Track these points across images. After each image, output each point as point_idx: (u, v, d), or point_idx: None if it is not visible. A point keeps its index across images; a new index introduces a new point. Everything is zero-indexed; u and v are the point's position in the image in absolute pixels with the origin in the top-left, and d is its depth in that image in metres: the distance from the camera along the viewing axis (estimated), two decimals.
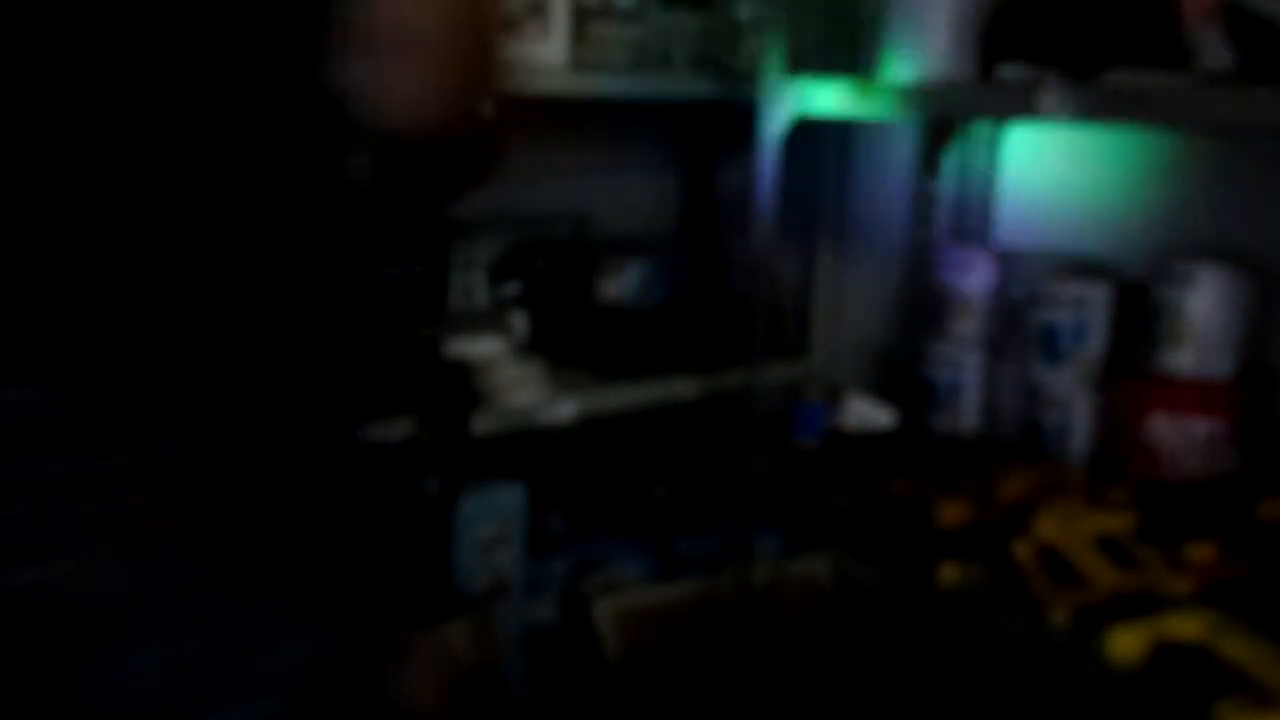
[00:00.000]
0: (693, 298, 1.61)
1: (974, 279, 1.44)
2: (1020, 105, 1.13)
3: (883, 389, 1.64)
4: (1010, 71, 1.24)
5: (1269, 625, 0.98)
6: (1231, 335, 1.21)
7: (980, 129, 1.53)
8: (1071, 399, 1.32)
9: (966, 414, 1.45)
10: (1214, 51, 1.03)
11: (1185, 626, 0.99)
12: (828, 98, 1.44)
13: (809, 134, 1.66)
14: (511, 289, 1.65)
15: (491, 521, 1.47)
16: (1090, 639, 1.01)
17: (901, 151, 1.67)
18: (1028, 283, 1.36)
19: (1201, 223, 1.29)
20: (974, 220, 1.55)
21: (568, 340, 1.57)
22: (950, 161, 1.57)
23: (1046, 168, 1.48)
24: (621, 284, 1.54)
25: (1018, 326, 1.38)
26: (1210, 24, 1.03)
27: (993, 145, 1.53)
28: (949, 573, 1.15)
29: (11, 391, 0.66)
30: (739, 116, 1.62)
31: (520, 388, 1.43)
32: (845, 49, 1.62)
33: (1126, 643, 0.99)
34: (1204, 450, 1.21)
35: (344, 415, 0.80)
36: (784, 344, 1.74)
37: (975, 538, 1.19)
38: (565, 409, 1.44)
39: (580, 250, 1.63)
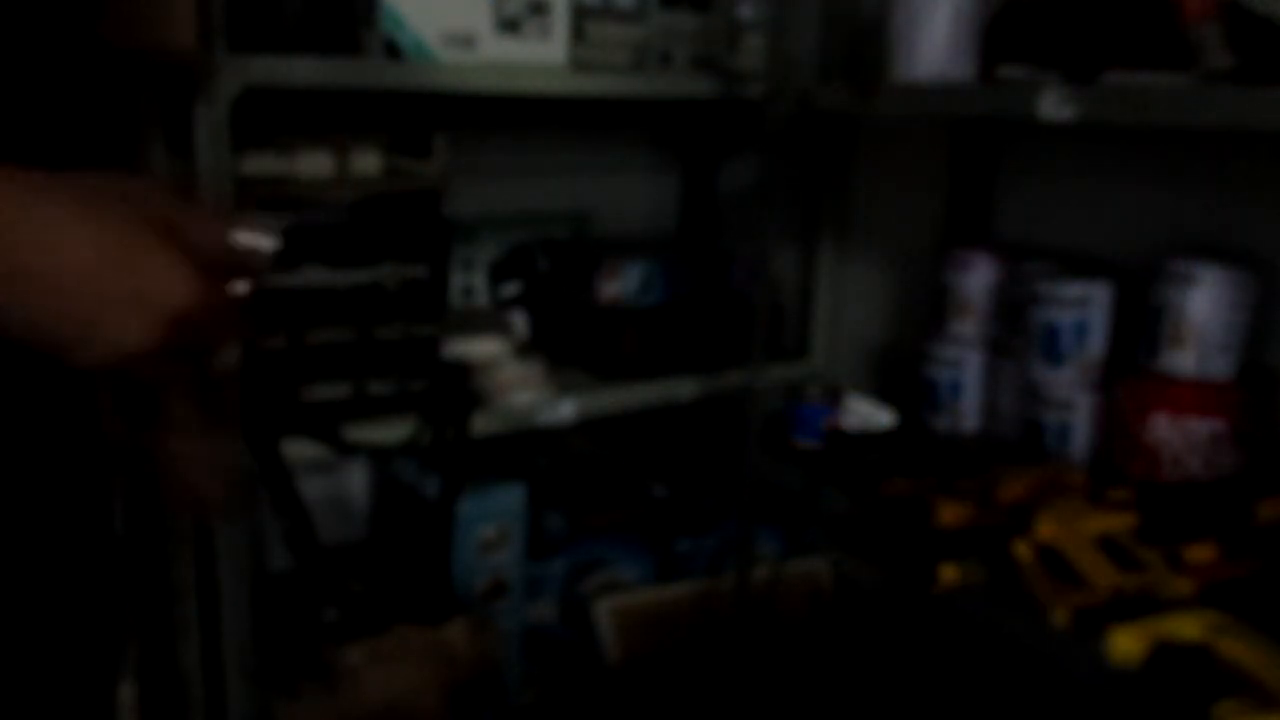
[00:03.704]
0: (693, 298, 1.61)
1: (974, 279, 1.44)
2: (1020, 105, 1.13)
3: (883, 389, 1.65)
4: (1010, 72, 1.24)
5: (1269, 625, 0.98)
6: (1231, 335, 1.21)
7: (980, 129, 1.53)
8: (1071, 399, 1.32)
9: (966, 414, 1.45)
10: (1214, 51, 1.03)
11: (1185, 627, 0.99)
12: (826, 98, 1.44)
13: (810, 133, 1.67)
14: (511, 289, 1.65)
15: (491, 521, 1.47)
16: (1090, 639, 1.01)
17: (902, 151, 1.67)
18: (1028, 283, 1.36)
19: (1201, 223, 1.29)
20: (974, 220, 1.54)
21: (568, 340, 1.57)
22: (951, 161, 1.57)
23: (1046, 167, 1.48)
24: (621, 284, 1.54)
25: (1018, 326, 1.38)
26: (1210, 24, 1.03)
27: (993, 145, 1.53)
28: (949, 573, 1.15)
29: None
30: (739, 116, 1.62)
31: (520, 388, 1.43)
32: (845, 49, 1.62)
33: (1126, 643, 0.98)
34: (1204, 450, 1.21)
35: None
36: (784, 344, 1.74)
37: (975, 538, 1.19)
38: (565, 409, 1.44)
39: (580, 250, 1.63)
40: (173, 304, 0.52)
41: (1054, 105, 1.10)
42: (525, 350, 1.48)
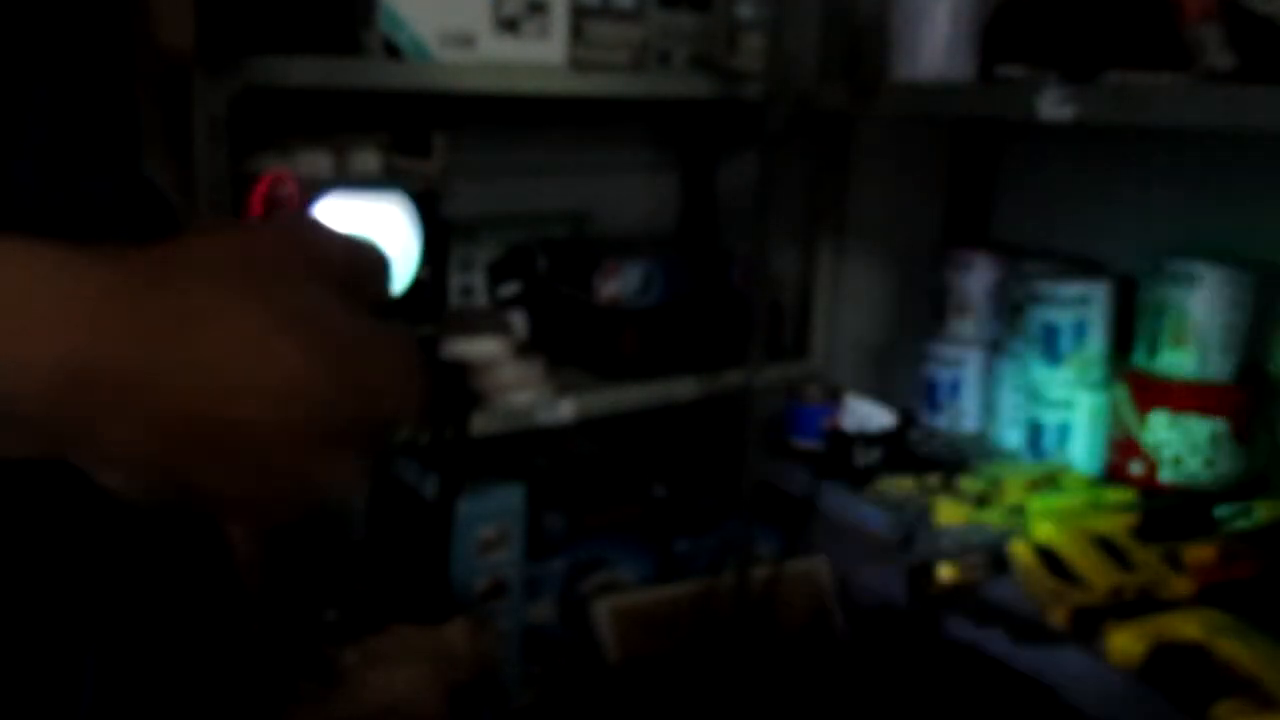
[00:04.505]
0: (692, 298, 1.60)
1: (973, 279, 1.44)
2: (1020, 105, 1.13)
3: (883, 389, 1.64)
4: (1009, 71, 1.24)
5: (1269, 625, 0.98)
6: (1232, 335, 1.20)
7: (980, 129, 1.53)
8: (1071, 399, 1.32)
9: (966, 414, 1.45)
10: (1214, 51, 1.03)
11: (1185, 627, 0.99)
12: (825, 98, 1.44)
13: (809, 133, 1.66)
14: (511, 289, 1.65)
15: (491, 521, 1.47)
16: (1089, 639, 1.01)
17: (901, 151, 1.67)
18: (1027, 283, 1.36)
19: (1201, 223, 1.29)
20: (973, 220, 1.54)
21: (568, 340, 1.57)
22: (950, 161, 1.57)
23: (1046, 168, 1.48)
24: (621, 284, 1.54)
25: (1017, 326, 1.38)
26: (1210, 24, 1.03)
27: (993, 145, 1.53)
28: (949, 573, 1.15)
29: None
30: (738, 116, 1.61)
31: (520, 388, 1.43)
32: (845, 49, 1.62)
33: (1125, 643, 0.98)
34: (1204, 450, 1.21)
35: None
36: (784, 344, 1.74)
37: (976, 538, 1.19)
38: (565, 409, 1.44)
39: (580, 250, 1.63)
40: (398, 418, 0.34)
41: (1053, 105, 1.10)
42: (525, 350, 1.48)
